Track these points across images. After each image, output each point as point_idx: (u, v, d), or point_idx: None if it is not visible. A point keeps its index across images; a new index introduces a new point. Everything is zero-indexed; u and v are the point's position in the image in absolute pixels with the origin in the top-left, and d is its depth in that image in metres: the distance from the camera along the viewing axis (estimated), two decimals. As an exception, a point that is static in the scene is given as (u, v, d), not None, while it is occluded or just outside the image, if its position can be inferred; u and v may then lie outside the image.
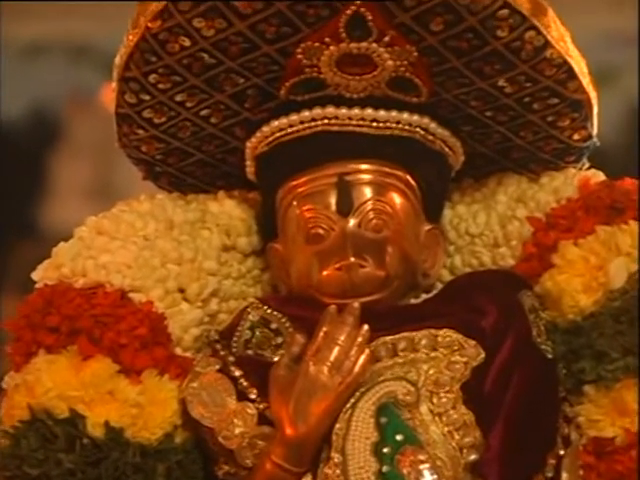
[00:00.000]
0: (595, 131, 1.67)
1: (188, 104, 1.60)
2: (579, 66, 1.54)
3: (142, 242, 1.60)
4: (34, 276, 1.62)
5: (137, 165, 1.72)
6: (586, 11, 5.90)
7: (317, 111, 1.55)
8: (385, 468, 1.43)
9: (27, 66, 6.42)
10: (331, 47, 1.50)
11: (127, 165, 2.04)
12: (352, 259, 1.51)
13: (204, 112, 1.61)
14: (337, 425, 1.47)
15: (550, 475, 1.49)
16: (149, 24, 1.50)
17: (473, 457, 1.46)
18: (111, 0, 5.26)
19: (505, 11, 1.45)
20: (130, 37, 1.53)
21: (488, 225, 1.67)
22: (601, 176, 1.66)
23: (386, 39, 1.49)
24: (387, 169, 1.55)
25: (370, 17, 1.46)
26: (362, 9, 1.45)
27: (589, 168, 1.68)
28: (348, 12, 1.45)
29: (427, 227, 1.60)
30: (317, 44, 1.50)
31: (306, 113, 1.56)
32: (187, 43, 1.50)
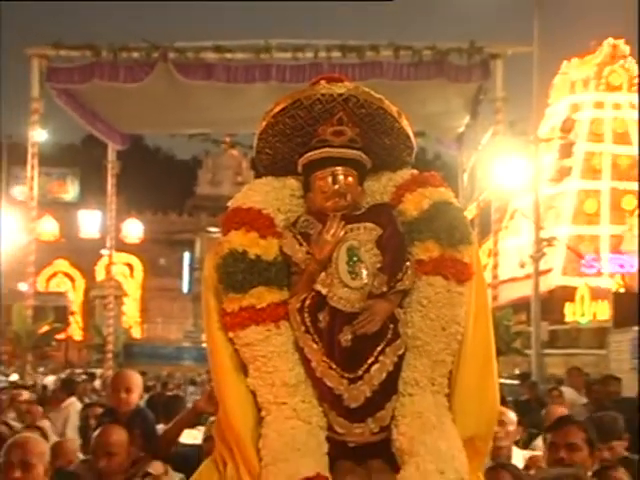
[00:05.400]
0: (414, 155, 2.84)
1: (280, 148, 2.86)
2: (412, 135, 2.78)
3: (264, 193, 2.85)
4: (228, 204, 2.80)
5: (259, 170, 2.90)
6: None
7: (324, 149, 2.78)
8: (349, 268, 2.69)
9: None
10: (330, 128, 2.75)
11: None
12: (337, 199, 2.77)
13: (285, 150, 2.85)
14: (334, 254, 2.70)
15: (405, 274, 2.67)
16: (266, 125, 2.77)
17: (379, 265, 2.69)
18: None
19: (389, 115, 2.72)
20: (262, 127, 2.77)
21: (378, 188, 2.90)
22: (416, 172, 2.85)
23: (349, 125, 2.73)
24: (349, 169, 2.79)
25: (345, 118, 2.72)
26: (343, 116, 2.72)
27: (414, 169, 2.87)
28: (337, 116, 2.73)
29: (359, 189, 2.83)
30: (326, 127, 2.74)
31: (319, 150, 2.79)
32: (281, 127, 2.79)
